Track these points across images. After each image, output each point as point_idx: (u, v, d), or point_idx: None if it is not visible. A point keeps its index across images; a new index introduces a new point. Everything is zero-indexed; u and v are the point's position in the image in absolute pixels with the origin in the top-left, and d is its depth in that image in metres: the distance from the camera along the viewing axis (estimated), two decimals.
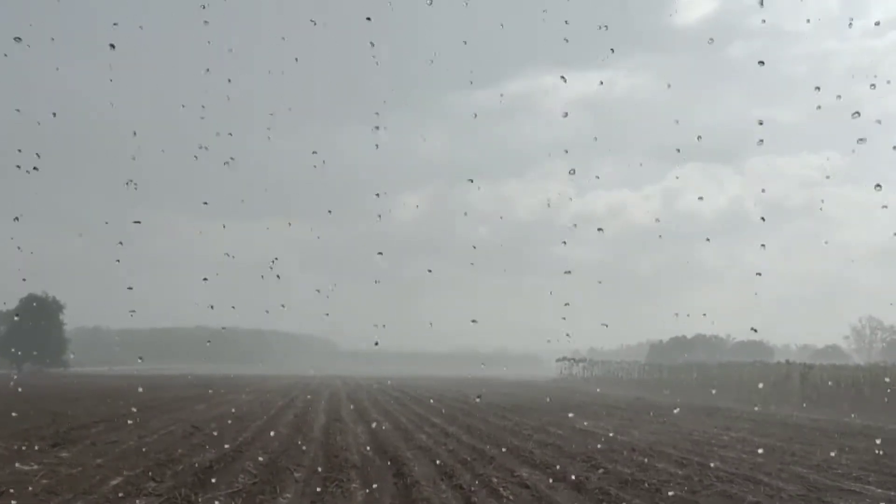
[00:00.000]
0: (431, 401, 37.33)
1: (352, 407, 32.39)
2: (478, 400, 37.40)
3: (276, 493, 11.75)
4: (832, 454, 17.38)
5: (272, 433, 20.28)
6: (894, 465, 15.51)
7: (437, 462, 15.45)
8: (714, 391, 45.34)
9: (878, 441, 19.76)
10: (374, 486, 12.53)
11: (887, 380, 34.88)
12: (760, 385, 41.66)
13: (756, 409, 35.31)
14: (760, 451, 17.81)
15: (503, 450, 17.62)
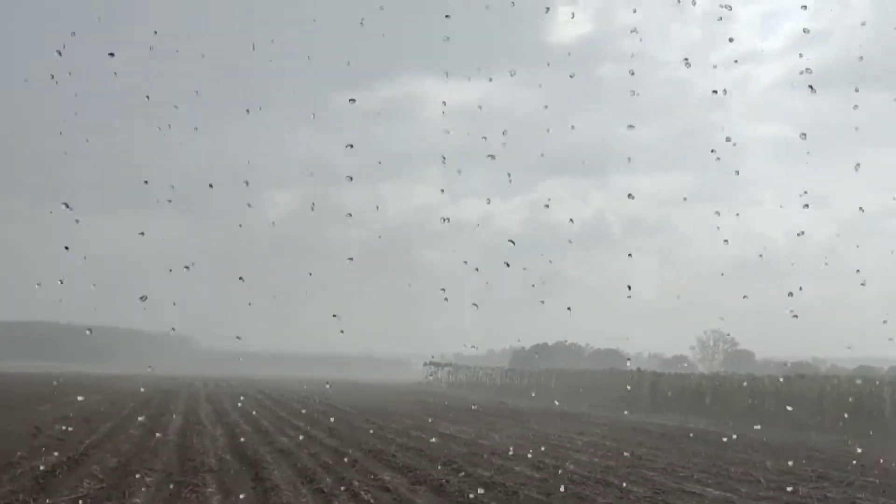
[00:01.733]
0: (295, 403, 36.71)
1: (211, 409, 31.34)
2: (328, 386, 37.43)
3: (125, 498, 11.20)
4: (676, 458, 18.48)
5: (123, 435, 19.31)
6: (731, 468, 16.67)
7: (298, 465, 15.23)
8: (571, 397, 47.11)
9: (716, 445, 21.20)
10: (231, 490, 12.19)
11: (747, 384, 37.48)
12: (624, 390, 43.67)
13: (609, 414, 36.99)
14: (611, 454, 18.70)
15: (366, 453, 17.59)
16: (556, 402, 45.08)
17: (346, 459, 16.33)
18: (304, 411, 31.21)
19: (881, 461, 18.84)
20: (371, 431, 23.13)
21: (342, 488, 12.58)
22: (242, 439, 19.73)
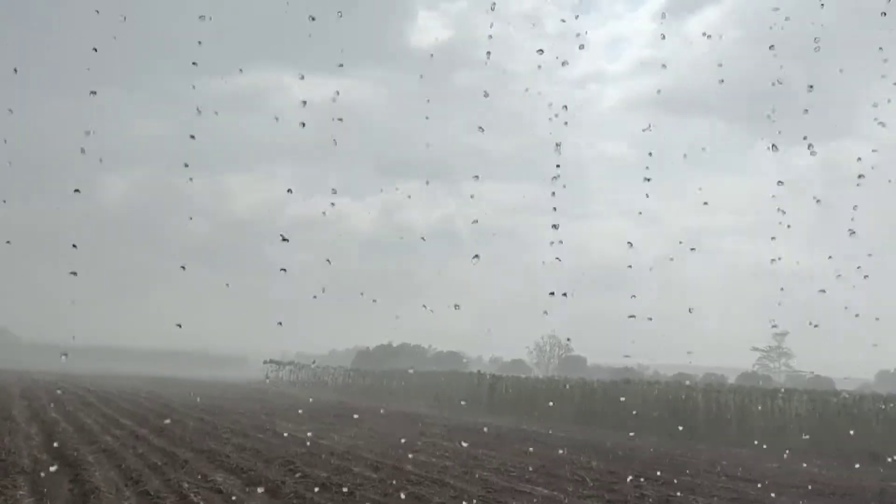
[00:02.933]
0: (124, 401, 34.72)
1: (26, 405, 29.01)
2: (162, 382, 35.49)
3: None
4: (510, 458, 19.10)
5: None
6: (560, 468, 17.44)
7: (123, 467, 14.40)
8: (413, 397, 47.61)
9: (548, 446, 22.11)
10: (46, 493, 11.32)
11: (589, 388, 39.19)
12: (464, 391, 44.57)
13: (449, 415, 37.68)
14: (449, 454, 19.05)
15: (198, 454, 16.91)
16: (398, 403, 45.39)
17: (176, 460, 15.62)
18: (133, 409, 29.58)
19: (694, 461, 20.40)
20: (205, 431, 22.28)
21: (170, 491, 12.01)
22: (61, 439, 18.40)
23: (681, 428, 30.07)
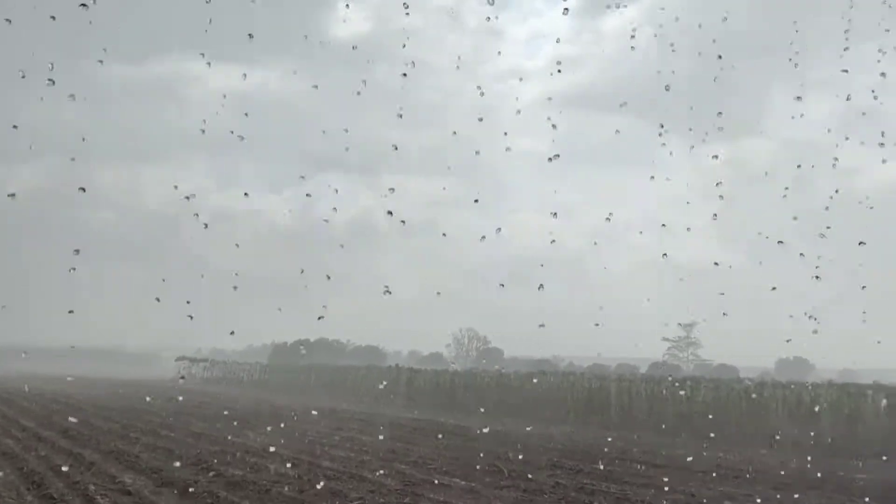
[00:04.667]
0: (25, 401, 33.18)
1: None
2: (69, 379, 34.31)
3: None
4: (428, 451, 19.20)
5: None
6: (477, 460, 17.63)
7: (25, 469, 13.78)
8: (331, 392, 47.25)
9: (465, 438, 22.33)
10: None
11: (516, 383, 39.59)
12: (383, 385, 44.46)
13: (367, 409, 37.56)
14: (367, 449, 19.00)
15: (106, 454, 16.34)
16: (316, 398, 44.97)
17: (82, 461, 15.05)
18: (36, 409, 28.32)
19: (605, 450, 20.97)
20: (114, 431, 21.54)
21: (76, 493, 11.57)
22: None
23: (594, 417, 30.89)
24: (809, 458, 19.69)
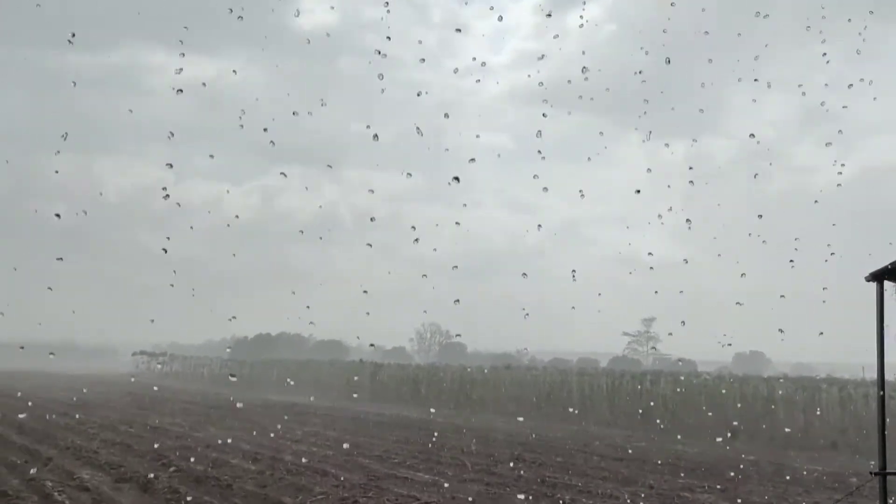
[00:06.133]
0: None
1: None
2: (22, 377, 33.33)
3: None
4: (391, 445, 19.19)
5: None
6: (441, 454, 17.68)
7: None
8: (293, 387, 46.88)
9: (429, 432, 22.35)
10: None
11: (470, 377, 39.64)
12: (346, 380, 44.27)
13: (331, 403, 37.37)
14: (330, 444, 18.92)
15: (63, 450, 16.03)
16: (278, 393, 44.62)
17: (38, 458, 14.74)
18: None
19: (567, 443, 21.18)
20: (70, 426, 21.14)
21: (32, 490, 11.33)
22: None
23: (556, 411, 31.16)
24: (766, 450, 20.11)
